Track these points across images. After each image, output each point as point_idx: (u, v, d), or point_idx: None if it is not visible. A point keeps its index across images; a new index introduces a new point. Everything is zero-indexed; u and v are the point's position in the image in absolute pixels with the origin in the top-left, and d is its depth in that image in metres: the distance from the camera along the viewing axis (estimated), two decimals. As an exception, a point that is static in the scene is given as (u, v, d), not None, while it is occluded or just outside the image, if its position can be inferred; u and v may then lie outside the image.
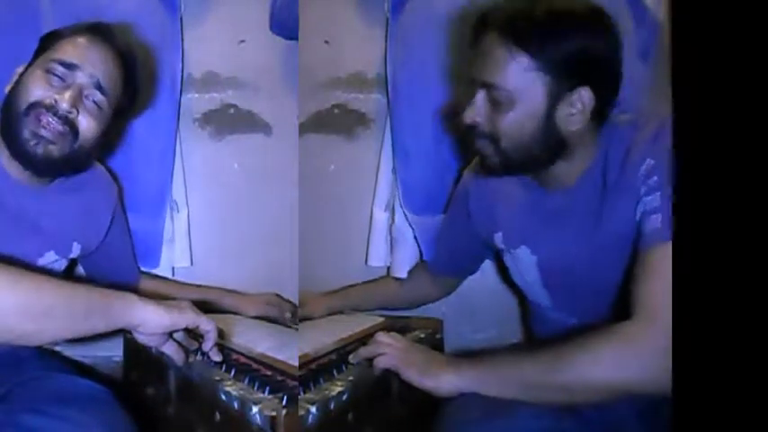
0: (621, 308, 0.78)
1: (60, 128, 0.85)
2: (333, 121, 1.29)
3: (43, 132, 0.85)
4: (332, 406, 0.73)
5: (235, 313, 1.17)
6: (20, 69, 0.90)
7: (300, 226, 1.19)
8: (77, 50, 0.89)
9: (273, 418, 0.67)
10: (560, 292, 0.95)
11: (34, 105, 0.85)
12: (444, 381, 0.80)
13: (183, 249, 1.27)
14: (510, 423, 0.73)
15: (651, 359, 0.69)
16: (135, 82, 0.96)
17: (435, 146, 1.23)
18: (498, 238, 1.01)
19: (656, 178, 0.77)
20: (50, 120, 0.85)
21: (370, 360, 0.85)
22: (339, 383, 0.77)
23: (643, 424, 0.84)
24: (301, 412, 0.69)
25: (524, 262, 0.97)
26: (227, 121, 1.29)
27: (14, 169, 0.90)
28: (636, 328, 0.72)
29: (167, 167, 1.22)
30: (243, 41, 1.27)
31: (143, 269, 1.21)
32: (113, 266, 1.13)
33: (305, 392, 0.74)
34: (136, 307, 0.73)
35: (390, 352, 0.85)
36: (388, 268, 1.29)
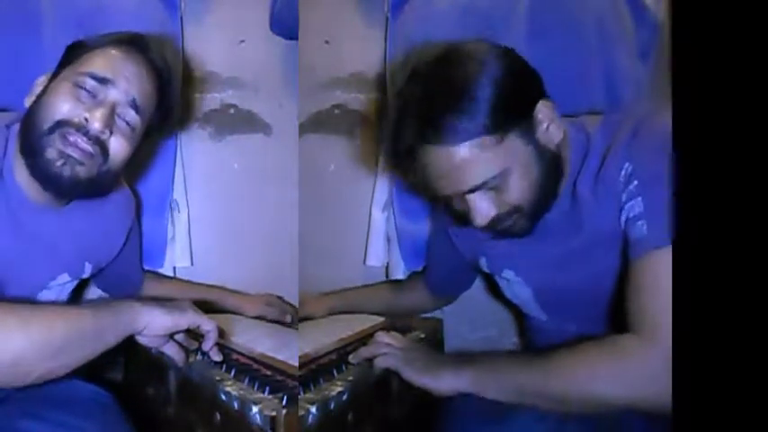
0: (619, 316, 0.77)
1: (90, 148, 0.78)
2: (333, 121, 1.29)
3: (71, 152, 0.77)
4: (332, 406, 0.73)
5: (235, 313, 1.17)
6: (41, 80, 0.83)
7: (300, 226, 1.19)
8: (111, 63, 0.81)
9: (273, 418, 0.67)
10: (554, 306, 0.94)
11: (61, 123, 0.77)
12: (443, 380, 0.79)
13: (183, 249, 1.27)
14: (512, 425, 0.73)
15: (649, 376, 0.67)
16: (170, 100, 0.89)
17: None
18: (483, 263, 1.01)
19: (636, 183, 0.74)
20: (79, 139, 0.77)
21: (370, 360, 0.85)
22: (339, 383, 0.77)
23: (646, 426, 0.84)
24: (301, 412, 0.69)
25: (513, 282, 0.97)
26: (227, 121, 1.29)
27: (33, 190, 0.82)
28: (634, 344, 0.70)
29: (169, 168, 1.22)
30: (243, 41, 1.27)
31: (146, 268, 1.21)
32: (121, 277, 1.12)
33: (305, 392, 0.74)
34: (140, 312, 0.73)
35: (390, 351, 0.85)
36: (386, 268, 1.29)
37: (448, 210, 0.88)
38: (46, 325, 0.64)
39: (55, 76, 0.82)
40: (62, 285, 0.95)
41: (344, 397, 0.75)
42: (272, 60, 1.29)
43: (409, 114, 0.76)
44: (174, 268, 1.27)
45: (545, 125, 0.78)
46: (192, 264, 1.28)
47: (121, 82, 0.81)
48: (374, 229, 1.28)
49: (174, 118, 0.91)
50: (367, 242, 1.29)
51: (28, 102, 0.82)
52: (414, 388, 0.82)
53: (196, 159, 1.28)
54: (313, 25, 1.23)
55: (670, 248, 0.68)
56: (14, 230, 0.82)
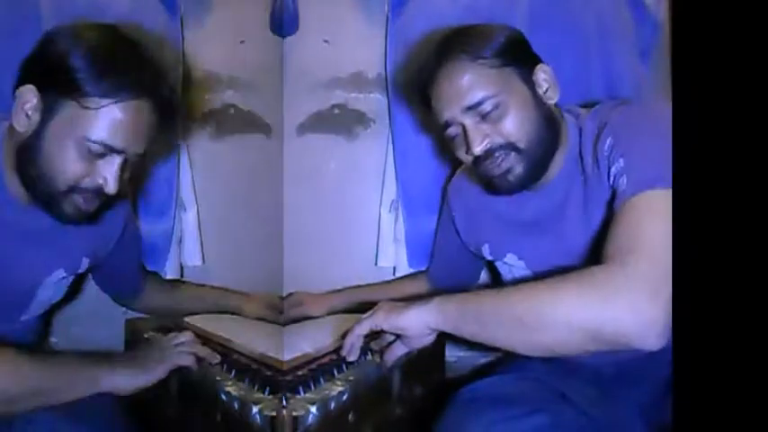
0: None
1: (102, 198, 0.82)
2: (333, 121, 1.29)
3: (86, 207, 0.81)
4: (332, 406, 0.73)
5: (236, 313, 1.17)
6: (32, 103, 0.77)
7: (299, 226, 1.19)
8: (117, 130, 0.77)
9: (273, 418, 0.67)
10: None
11: (76, 189, 0.79)
12: (412, 314, 0.78)
13: (193, 248, 1.27)
14: (509, 419, 0.73)
15: (612, 300, 0.65)
16: (173, 113, 0.87)
17: (435, 146, 1.23)
18: (486, 250, 1.03)
19: (617, 150, 0.78)
20: (94, 196, 0.81)
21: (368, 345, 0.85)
22: (339, 383, 0.77)
23: (644, 422, 0.84)
24: (301, 412, 0.69)
25: (516, 267, 0.98)
26: (227, 120, 1.29)
27: (25, 195, 0.83)
28: (601, 270, 0.68)
29: (171, 168, 1.22)
30: (243, 41, 1.27)
31: (150, 269, 1.21)
32: (121, 277, 1.13)
33: (305, 392, 0.74)
34: (110, 375, 0.79)
35: (374, 312, 0.83)
36: (394, 269, 1.29)
37: (452, 153, 0.92)
38: (17, 370, 0.72)
39: (48, 108, 0.77)
40: (58, 282, 0.95)
41: (344, 397, 0.76)
42: (272, 60, 1.29)
43: (428, 56, 0.89)
44: (182, 267, 1.27)
45: (544, 87, 0.87)
46: (203, 262, 1.28)
47: (130, 145, 0.79)
48: (383, 230, 1.28)
49: (176, 119, 0.89)
50: (378, 243, 1.29)
51: (19, 125, 0.78)
52: (413, 388, 0.82)
53: (196, 159, 1.28)
54: (313, 25, 1.23)
55: (649, 192, 0.71)
56: (6, 228, 0.83)
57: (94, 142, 0.77)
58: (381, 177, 1.28)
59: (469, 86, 0.83)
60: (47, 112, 0.77)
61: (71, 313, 1.24)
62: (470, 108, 0.84)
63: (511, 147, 0.84)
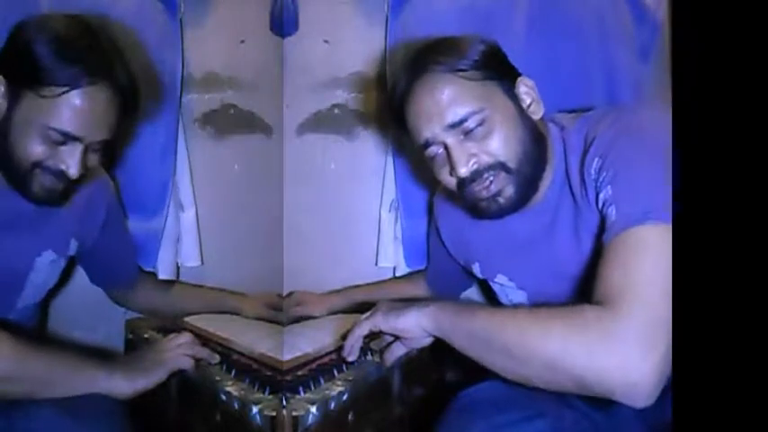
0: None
1: (63, 182, 0.84)
2: (333, 121, 1.29)
3: (53, 187, 0.83)
4: (332, 406, 0.73)
5: (235, 314, 1.17)
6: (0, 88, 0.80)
7: (299, 226, 1.19)
8: (77, 118, 0.79)
9: (273, 418, 0.67)
10: None
11: (38, 165, 0.81)
12: (409, 317, 0.77)
13: (191, 248, 1.27)
14: (510, 424, 0.73)
15: (601, 346, 0.61)
16: (137, 102, 0.88)
17: (411, 170, 1.22)
18: (476, 269, 1.01)
19: (605, 174, 0.73)
20: (57, 179, 0.83)
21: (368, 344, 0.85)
22: (339, 383, 0.77)
23: (644, 425, 0.84)
24: (301, 412, 0.69)
25: (507, 287, 0.96)
26: (228, 121, 1.29)
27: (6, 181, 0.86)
28: (593, 313, 0.64)
29: (168, 168, 1.22)
30: (243, 41, 1.27)
31: (143, 268, 1.21)
32: (111, 267, 1.13)
33: (305, 392, 0.74)
34: (108, 378, 0.80)
35: (373, 313, 0.82)
36: (394, 269, 1.29)
37: (439, 183, 0.88)
38: (19, 353, 0.73)
39: (14, 95, 0.80)
40: (50, 265, 0.97)
41: (344, 397, 0.76)
42: (272, 60, 1.29)
43: (403, 70, 0.84)
44: (179, 268, 1.27)
45: (528, 102, 0.82)
46: (202, 263, 1.28)
47: (91, 132, 0.81)
48: (383, 230, 1.28)
49: (138, 102, 0.89)
50: (378, 243, 1.29)
51: None
52: (413, 388, 0.82)
53: (196, 160, 1.28)
54: (313, 25, 1.23)
55: (640, 228, 0.66)
56: None
57: (54, 130, 0.79)
58: (381, 177, 1.28)
59: (451, 101, 0.78)
60: (12, 99, 0.80)
61: (71, 314, 1.24)
62: (453, 126, 0.78)
63: (500, 166, 0.79)
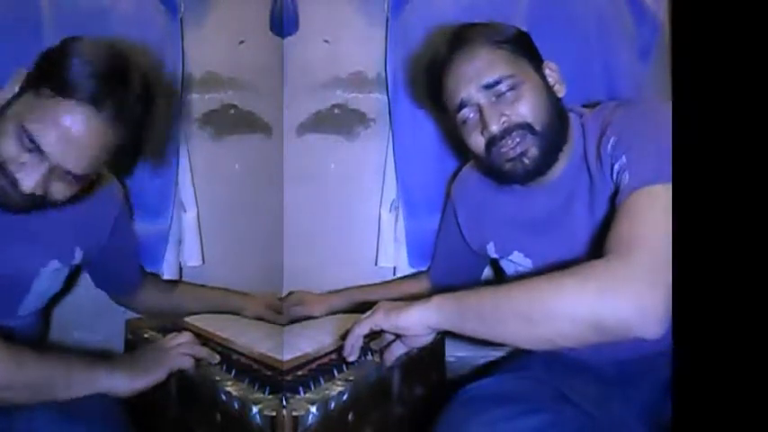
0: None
1: (15, 192, 0.77)
2: (333, 121, 1.29)
3: (10, 191, 0.77)
4: (332, 406, 0.73)
5: (236, 314, 1.17)
6: (20, 76, 0.79)
7: (300, 226, 1.19)
8: (54, 131, 0.74)
9: (273, 418, 0.67)
10: None
11: (2, 165, 0.75)
12: (411, 314, 0.77)
13: (193, 248, 1.27)
14: (510, 419, 0.73)
15: (613, 292, 0.65)
16: (137, 151, 0.86)
17: (435, 146, 1.23)
18: (491, 248, 1.02)
19: (620, 147, 0.79)
20: (8, 186, 0.76)
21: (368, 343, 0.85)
22: (339, 383, 0.77)
23: (644, 422, 0.84)
24: (301, 412, 0.69)
25: (521, 265, 0.98)
26: (228, 121, 1.29)
27: None
28: (603, 263, 0.69)
29: (170, 169, 1.22)
30: (243, 41, 1.27)
31: (147, 270, 1.21)
32: (117, 272, 1.13)
33: (305, 392, 0.74)
34: (108, 376, 0.79)
35: (374, 312, 0.82)
36: (394, 269, 1.29)
37: (467, 145, 0.91)
38: (17, 361, 0.72)
39: (30, 84, 0.77)
40: (54, 273, 0.96)
41: (344, 397, 0.76)
42: (272, 60, 1.29)
43: (444, 42, 0.91)
44: (182, 268, 1.27)
45: (552, 82, 0.89)
46: (203, 262, 1.28)
47: (62, 155, 0.75)
48: (383, 230, 1.28)
49: (141, 146, 0.87)
50: (378, 243, 1.29)
51: (5, 89, 0.78)
52: (413, 388, 0.82)
53: (196, 160, 1.28)
54: (313, 25, 1.23)
55: (651, 188, 0.72)
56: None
57: (26, 132, 0.74)
58: (381, 177, 1.28)
59: (487, 65, 0.85)
60: (18, 94, 0.78)
61: (71, 314, 1.24)
62: (487, 87, 0.85)
63: (527, 127, 0.84)
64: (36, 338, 1.02)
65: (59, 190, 0.79)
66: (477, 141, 0.88)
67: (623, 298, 0.65)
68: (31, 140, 0.74)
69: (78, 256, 0.99)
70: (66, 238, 0.95)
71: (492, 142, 0.85)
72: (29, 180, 0.75)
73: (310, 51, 1.25)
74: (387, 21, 1.22)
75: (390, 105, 1.23)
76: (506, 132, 0.84)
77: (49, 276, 0.95)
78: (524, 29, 0.94)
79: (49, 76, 0.76)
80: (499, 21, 0.96)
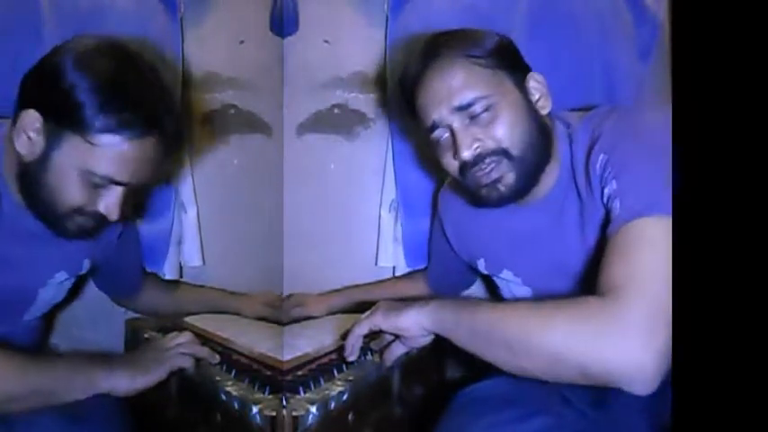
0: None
1: (101, 222, 0.83)
2: (333, 121, 1.29)
3: (85, 226, 0.82)
4: (332, 406, 0.73)
5: (235, 314, 1.17)
6: (36, 125, 0.76)
7: (299, 226, 1.19)
8: (123, 166, 0.78)
9: (273, 418, 0.67)
10: None
11: (78, 211, 0.80)
12: (409, 315, 0.76)
13: (193, 249, 1.27)
14: (510, 422, 0.73)
15: (603, 336, 0.62)
16: (180, 145, 0.88)
17: (417, 155, 1.22)
18: (481, 265, 1.01)
19: (610, 169, 0.74)
20: (93, 219, 0.82)
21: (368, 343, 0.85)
22: (339, 383, 0.77)
23: (644, 424, 0.84)
24: (301, 412, 0.69)
25: (512, 282, 0.96)
26: (228, 121, 1.29)
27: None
28: (595, 304, 0.65)
29: (171, 169, 1.22)
30: (243, 41, 1.27)
31: (148, 270, 1.21)
32: (120, 277, 1.13)
33: (305, 392, 0.74)
34: (109, 376, 0.78)
35: (373, 312, 0.82)
36: (393, 269, 1.29)
37: (441, 165, 0.88)
38: (20, 369, 0.72)
39: (54, 133, 0.76)
40: (60, 283, 0.96)
41: (344, 397, 0.76)
42: (272, 60, 1.29)
43: (416, 54, 0.85)
44: (182, 268, 1.27)
45: (536, 96, 0.84)
46: (203, 262, 1.28)
47: (134, 177, 0.80)
48: (383, 230, 1.28)
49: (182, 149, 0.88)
50: (378, 243, 1.29)
51: (21, 147, 0.77)
52: (414, 388, 0.82)
53: (196, 160, 1.28)
54: (313, 25, 1.23)
55: (643, 220, 0.68)
56: (6, 229, 0.83)
57: (99, 176, 0.77)
58: (381, 177, 1.28)
59: (460, 85, 0.79)
60: (51, 139, 0.76)
61: (72, 314, 1.24)
62: (460, 108, 0.80)
63: (502, 153, 0.80)
64: (37, 342, 1.02)
65: (129, 200, 0.84)
66: (451, 164, 0.84)
67: (611, 349, 0.61)
68: (108, 179, 0.78)
69: (86, 267, 0.99)
70: (75, 250, 0.94)
71: (465, 168, 0.82)
72: (114, 212, 0.81)
73: (310, 51, 1.25)
74: (387, 21, 1.22)
75: (390, 105, 1.23)
76: (479, 158, 0.80)
77: (55, 286, 0.95)
78: (524, 29, 0.94)
79: (85, 116, 0.74)
80: (499, 21, 0.96)
